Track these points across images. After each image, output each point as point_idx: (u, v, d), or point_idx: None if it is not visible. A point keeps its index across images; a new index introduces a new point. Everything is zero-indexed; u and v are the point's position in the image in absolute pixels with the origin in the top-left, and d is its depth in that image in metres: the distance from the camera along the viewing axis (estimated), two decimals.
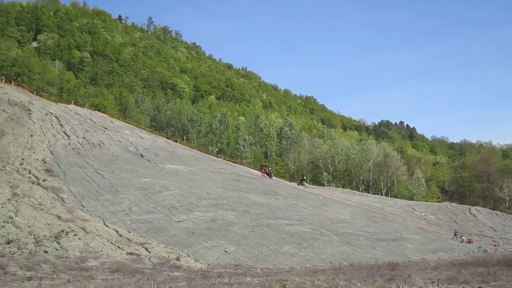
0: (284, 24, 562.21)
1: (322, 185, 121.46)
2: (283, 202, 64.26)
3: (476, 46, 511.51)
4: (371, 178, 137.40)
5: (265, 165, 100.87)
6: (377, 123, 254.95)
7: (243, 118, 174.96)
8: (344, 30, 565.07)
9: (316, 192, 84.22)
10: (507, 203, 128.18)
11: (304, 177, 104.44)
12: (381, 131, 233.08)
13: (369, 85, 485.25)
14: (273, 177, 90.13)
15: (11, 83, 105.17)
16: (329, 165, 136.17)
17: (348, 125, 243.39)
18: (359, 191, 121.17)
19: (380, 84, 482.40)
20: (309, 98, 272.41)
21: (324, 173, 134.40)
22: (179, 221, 47.44)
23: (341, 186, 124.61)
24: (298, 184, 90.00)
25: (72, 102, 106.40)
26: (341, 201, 78.73)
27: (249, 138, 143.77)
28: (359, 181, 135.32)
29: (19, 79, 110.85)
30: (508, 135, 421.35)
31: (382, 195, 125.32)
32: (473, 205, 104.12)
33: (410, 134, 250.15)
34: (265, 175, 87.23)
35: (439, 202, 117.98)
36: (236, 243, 44.14)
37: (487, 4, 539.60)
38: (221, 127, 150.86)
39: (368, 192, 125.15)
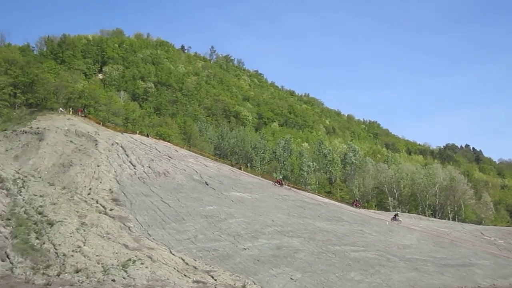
0: (345, 48, 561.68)
1: (388, 210, 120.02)
2: (349, 228, 63.69)
3: None
4: (437, 203, 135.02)
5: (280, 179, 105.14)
6: (442, 147, 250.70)
7: (306, 144, 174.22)
8: (404, 55, 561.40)
9: (381, 217, 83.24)
10: None
11: (398, 213, 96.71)
12: (447, 154, 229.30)
13: (433, 109, 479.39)
14: (285, 186, 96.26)
15: (78, 114, 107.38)
16: (395, 190, 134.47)
17: (412, 149, 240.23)
18: (426, 216, 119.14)
19: (444, 108, 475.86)
20: (373, 123, 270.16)
21: (389, 198, 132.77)
22: (245, 249, 47.46)
23: (407, 211, 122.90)
24: (392, 220, 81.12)
25: (137, 132, 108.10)
26: (408, 226, 77.59)
27: (313, 164, 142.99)
28: (425, 205, 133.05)
29: (86, 111, 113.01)
30: None
31: (449, 219, 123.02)
32: None
33: (477, 157, 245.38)
34: (277, 184, 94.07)
35: (509, 226, 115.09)
36: (302, 270, 43.90)
37: None
38: (284, 153, 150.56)
39: (435, 217, 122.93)
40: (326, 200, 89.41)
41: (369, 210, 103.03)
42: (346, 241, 55.68)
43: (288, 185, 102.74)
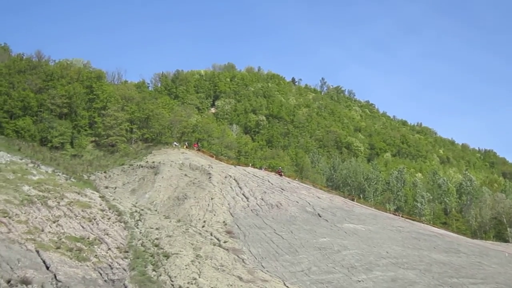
0: (458, 75, 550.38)
1: (507, 241, 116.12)
2: (466, 260, 61.87)
3: None
4: None
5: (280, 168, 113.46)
6: None
7: (420, 174, 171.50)
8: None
9: (500, 249, 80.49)
10: None
11: None
12: None
13: None
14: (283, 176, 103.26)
15: (193, 148, 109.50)
16: None
17: None
18: None
19: None
20: (489, 151, 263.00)
21: (508, 229, 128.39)
22: (359, 281, 46.87)
23: None
24: None
25: (250, 164, 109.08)
26: None
27: (427, 194, 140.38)
28: None
29: (199, 144, 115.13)
30: None
31: None
32: None
33: None
34: (277, 174, 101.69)
35: None
36: None
37: None
38: (398, 184, 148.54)
39: None
40: (442, 231, 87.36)
41: (487, 241, 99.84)
42: (464, 273, 54.07)
43: (402, 216, 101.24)
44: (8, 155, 74.26)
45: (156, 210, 70.91)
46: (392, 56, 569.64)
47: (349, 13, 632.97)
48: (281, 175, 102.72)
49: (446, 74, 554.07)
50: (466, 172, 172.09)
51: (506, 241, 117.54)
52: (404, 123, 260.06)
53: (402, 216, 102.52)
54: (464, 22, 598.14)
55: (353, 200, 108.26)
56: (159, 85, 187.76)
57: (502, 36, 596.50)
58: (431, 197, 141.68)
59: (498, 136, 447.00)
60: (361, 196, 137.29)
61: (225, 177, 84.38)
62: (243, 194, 77.64)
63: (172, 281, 41.94)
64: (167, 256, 47.82)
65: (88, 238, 49.34)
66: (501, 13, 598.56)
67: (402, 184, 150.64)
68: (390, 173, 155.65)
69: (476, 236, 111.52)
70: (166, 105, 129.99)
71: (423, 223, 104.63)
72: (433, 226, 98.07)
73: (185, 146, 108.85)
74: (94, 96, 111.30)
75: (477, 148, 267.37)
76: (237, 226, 63.52)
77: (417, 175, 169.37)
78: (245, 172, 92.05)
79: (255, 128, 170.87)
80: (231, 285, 41.74)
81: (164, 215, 67.78)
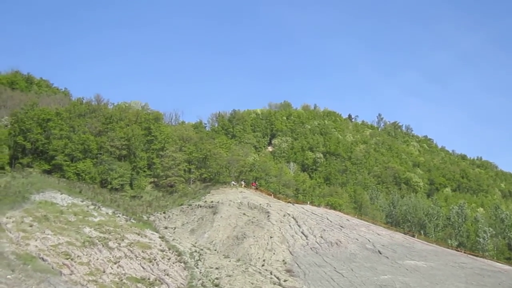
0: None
1: None
2: None
3: None
4: None
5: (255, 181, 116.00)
6: None
7: (481, 209, 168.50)
8: None
9: None
10: None
11: None
12: None
13: None
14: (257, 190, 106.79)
15: (251, 187, 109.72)
16: None
17: None
18: None
19: None
20: None
21: None
22: None
23: None
24: None
25: (308, 202, 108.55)
26: None
27: (489, 229, 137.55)
28: None
29: (257, 183, 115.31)
30: None
31: None
32: None
33: None
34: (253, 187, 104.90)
35: None
36: None
37: None
38: (459, 219, 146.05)
39: None
40: (506, 267, 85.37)
41: None
42: None
43: (464, 252, 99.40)
44: (70, 197, 75.71)
45: (215, 250, 71.17)
46: (449, 89, 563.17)
47: (405, 45, 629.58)
48: (256, 188, 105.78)
49: (503, 106, 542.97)
50: None
51: None
52: (463, 157, 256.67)
53: (464, 252, 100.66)
54: None
55: (413, 236, 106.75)
56: (216, 125, 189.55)
57: None
58: (494, 232, 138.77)
59: None
60: (422, 232, 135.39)
61: (284, 215, 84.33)
62: (302, 232, 77.44)
63: None
64: None
65: (148, 279, 49.77)
66: None
67: (464, 220, 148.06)
68: (450, 209, 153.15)
69: None
70: (224, 145, 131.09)
71: (486, 258, 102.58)
72: (497, 262, 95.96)
73: (243, 185, 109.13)
74: (152, 138, 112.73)
75: None
76: (297, 264, 63.27)
77: (478, 210, 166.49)
78: (303, 210, 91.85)
79: (312, 165, 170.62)
80: None
81: (223, 255, 68.01)
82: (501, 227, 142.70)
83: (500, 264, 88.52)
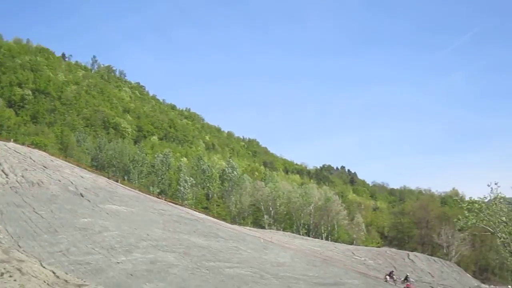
0: (229, 64, 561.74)
1: (263, 227, 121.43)
2: (224, 245, 63.86)
3: (418, 95, 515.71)
4: (312, 222, 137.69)
5: None
6: (318, 168, 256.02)
7: (185, 159, 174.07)
8: (291, 72, 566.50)
9: (257, 234, 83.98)
10: (444, 250, 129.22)
11: (393, 270, 72.40)
12: (323, 175, 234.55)
13: (313, 131, 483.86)
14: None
15: None
16: (271, 208, 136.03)
17: (290, 168, 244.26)
18: (300, 234, 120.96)
19: (324, 130, 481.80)
20: (252, 140, 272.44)
21: (265, 216, 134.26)
22: (118, 263, 46.75)
23: (282, 229, 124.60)
24: (388, 277, 65.57)
25: (12, 140, 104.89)
26: (282, 245, 78.64)
27: (190, 179, 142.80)
28: (300, 224, 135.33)
29: None
30: (447, 183, 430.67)
31: (322, 239, 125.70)
32: (412, 251, 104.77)
33: (351, 179, 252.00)
34: None
35: (379, 247, 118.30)
36: (176, 285, 43.63)
37: (436, 50, 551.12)
38: (163, 167, 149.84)
39: (309, 236, 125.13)
40: (203, 215, 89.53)
41: (245, 227, 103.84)
42: (221, 257, 55.80)
43: (165, 199, 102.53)
44: None
45: None
46: (169, 41, 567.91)
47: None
48: None
49: (215, 61, 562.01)
50: (230, 159, 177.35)
51: (263, 227, 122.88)
52: (173, 107, 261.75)
53: (165, 199, 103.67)
54: None
55: (117, 181, 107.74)
56: None
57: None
58: (194, 182, 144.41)
59: (261, 126, 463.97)
60: (126, 178, 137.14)
61: None
62: (2, 171, 74.72)
63: None
64: None
65: None
66: None
67: (167, 168, 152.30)
68: (156, 156, 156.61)
69: (235, 222, 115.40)
70: None
71: (185, 207, 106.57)
72: (195, 210, 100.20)
73: None
74: None
75: (241, 137, 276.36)
76: None
77: (182, 159, 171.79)
78: (6, 148, 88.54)
79: (19, 102, 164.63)
80: None
81: None
82: (202, 177, 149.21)
83: (197, 213, 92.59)
